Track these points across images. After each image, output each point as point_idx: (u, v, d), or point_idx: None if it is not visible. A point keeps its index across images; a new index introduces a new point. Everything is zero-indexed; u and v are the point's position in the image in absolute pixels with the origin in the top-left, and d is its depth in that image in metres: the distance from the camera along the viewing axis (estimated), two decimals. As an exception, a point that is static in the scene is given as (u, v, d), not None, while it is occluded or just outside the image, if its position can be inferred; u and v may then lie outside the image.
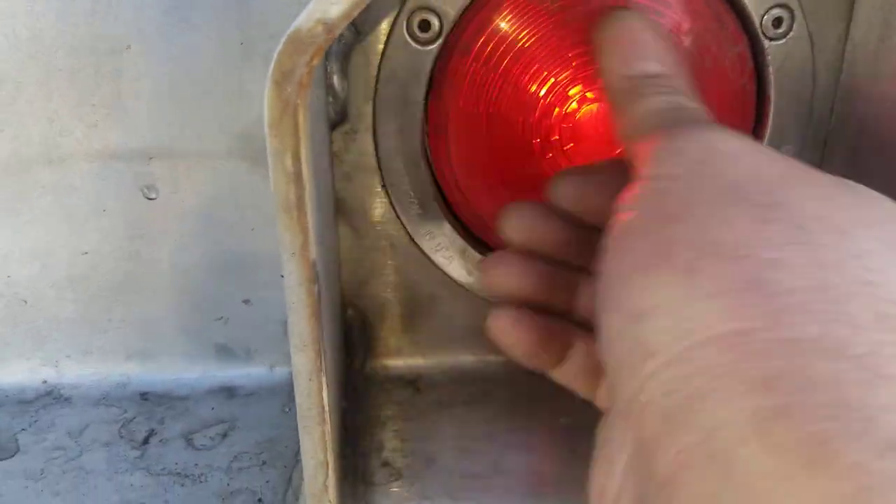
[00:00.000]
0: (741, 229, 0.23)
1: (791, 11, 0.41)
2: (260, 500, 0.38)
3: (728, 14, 0.41)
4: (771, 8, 0.41)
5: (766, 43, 0.42)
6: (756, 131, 0.44)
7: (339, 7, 0.26)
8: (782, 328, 0.20)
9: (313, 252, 0.29)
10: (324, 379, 0.31)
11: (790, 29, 0.42)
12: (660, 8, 0.40)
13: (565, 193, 0.36)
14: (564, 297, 0.37)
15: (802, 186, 0.25)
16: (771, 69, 0.42)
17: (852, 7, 0.42)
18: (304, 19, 0.26)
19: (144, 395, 0.46)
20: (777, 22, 0.42)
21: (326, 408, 0.32)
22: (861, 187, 0.25)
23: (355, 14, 0.26)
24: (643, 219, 0.27)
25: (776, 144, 0.44)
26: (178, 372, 0.47)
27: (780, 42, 0.42)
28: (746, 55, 0.42)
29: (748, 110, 0.43)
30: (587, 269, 0.36)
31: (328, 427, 0.32)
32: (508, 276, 0.36)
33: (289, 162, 0.28)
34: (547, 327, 0.36)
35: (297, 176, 0.28)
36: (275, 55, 0.26)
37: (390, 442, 0.41)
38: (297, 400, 0.32)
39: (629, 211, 0.28)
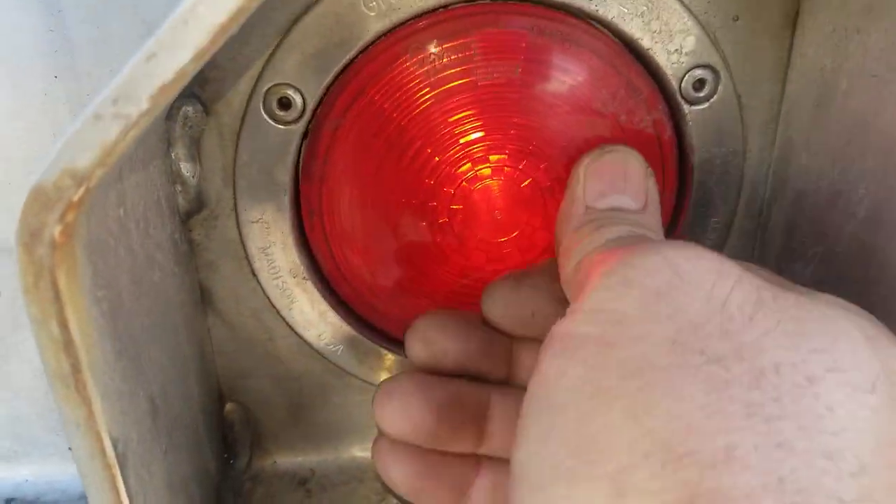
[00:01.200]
0: (688, 412, 0.20)
1: (715, 72, 0.36)
2: None
3: (642, 78, 0.36)
4: (691, 69, 0.36)
5: (686, 108, 0.36)
6: (678, 203, 0.39)
7: (89, 155, 0.21)
8: None
9: (103, 423, 0.25)
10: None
11: (714, 91, 0.36)
12: (562, 77, 0.35)
13: (493, 306, 0.34)
14: (471, 427, 0.33)
15: (769, 320, 0.22)
16: (693, 136, 0.37)
17: (787, 65, 0.36)
18: (48, 170, 0.21)
19: (10, 501, 0.42)
20: (699, 84, 0.36)
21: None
22: (834, 307, 0.23)
23: (114, 160, 0.21)
24: (571, 387, 0.23)
25: (701, 216, 0.39)
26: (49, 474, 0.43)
27: (703, 106, 0.36)
28: (664, 121, 0.37)
29: (669, 181, 0.38)
30: (503, 382, 0.34)
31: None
32: (404, 414, 0.32)
33: (55, 330, 0.23)
34: (439, 462, 0.32)
35: (68, 343, 0.23)
36: (19, 213, 0.21)
37: (264, 565, 0.37)
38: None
39: (556, 364, 0.24)
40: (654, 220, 0.31)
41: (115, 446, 0.25)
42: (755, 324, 0.21)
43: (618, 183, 0.31)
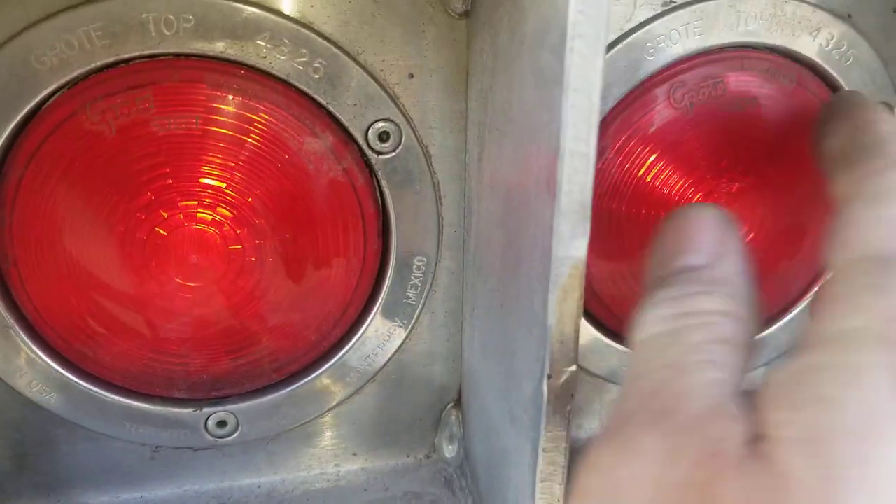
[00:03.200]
0: None
1: (397, 125, 0.39)
2: None
3: (328, 130, 0.38)
4: (374, 122, 0.38)
5: (374, 157, 0.39)
6: (384, 244, 0.42)
7: None
8: None
9: None
10: None
11: (399, 142, 0.39)
12: (245, 126, 0.37)
13: None
14: None
15: None
16: (384, 183, 0.40)
17: (466, 117, 0.40)
18: None
19: None
20: (383, 136, 0.39)
21: None
22: None
23: None
24: None
25: (407, 255, 0.42)
26: None
27: (390, 155, 0.39)
28: (355, 170, 0.39)
29: (370, 224, 0.41)
30: None
31: None
32: None
33: None
34: None
35: None
36: None
37: None
38: None
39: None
40: (722, 273, 0.28)
41: None
42: None
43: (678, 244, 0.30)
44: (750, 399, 0.24)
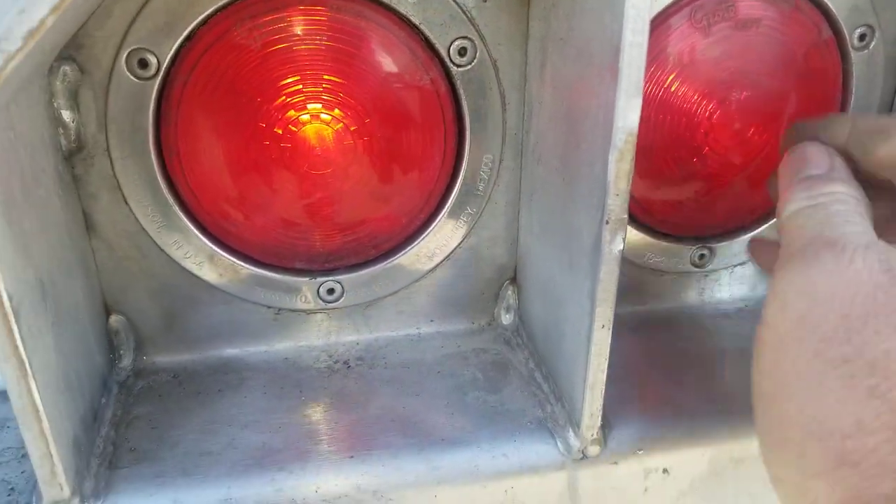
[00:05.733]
0: (829, 407, 0.31)
1: (473, 42, 0.48)
2: (13, 488, 0.44)
3: (419, 46, 0.48)
4: (455, 39, 0.48)
5: (455, 69, 0.49)
6: (459, 144, 0.52)
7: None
8: (863, 492, 0.30)
9: (1, 278, 0.34)
10: (32, 384, 0.37)
11: (474, 57, 0.49)
12: (358, 43, 0.47)
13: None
14: None
15: (879, 321, 0.31)
16: (462, 91, 0.50)
17: (527, 36, 0.49)
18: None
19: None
20: (462, 51, 0.48)
21: (40, 408, 0.37)
22: None
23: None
24: (762, 382, 0.36)
25: (478, 155, 0.52)
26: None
27: (467, 68, 0.49)
28: (439, 80, 0.49)
29: (449, 126, 0.50)
30: None
31: (45, 424, 0.38)
32: None
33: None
34: None
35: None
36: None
37: (142, 430, 0.47)
38: (12, 402, 0.37)
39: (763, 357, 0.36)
40: (839, 175, 0.39)
41: (10, 299, 0.35)
42: (868, 326, 0.31)
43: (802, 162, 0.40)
44: None
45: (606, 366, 0.44)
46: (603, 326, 0.43)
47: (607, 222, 0.40)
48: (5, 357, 0.36)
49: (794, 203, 0.38)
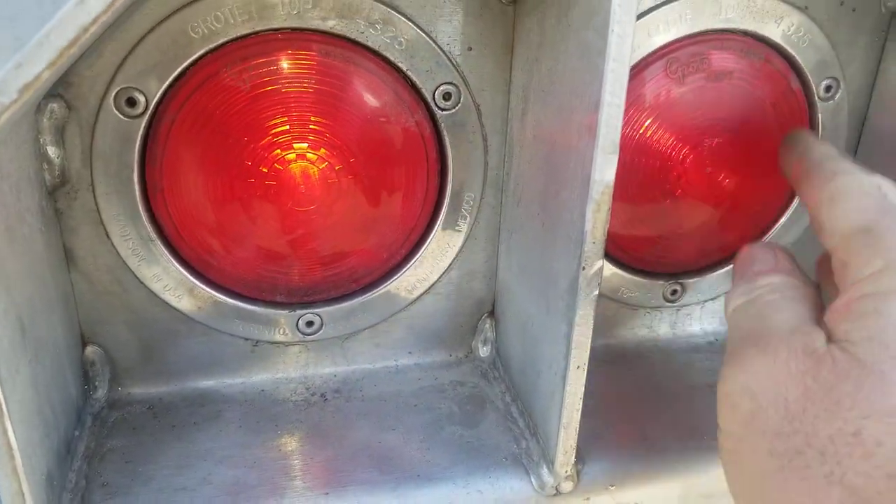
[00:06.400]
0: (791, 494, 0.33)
1: (457, 87, 0.50)
2: (-17, 525, 0.43)
3: (406, 90, 0.49)
4: (440, 85, 0.49)
5: (439, 113, 0.50)
6: (442, 183, 0.53)
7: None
8: None
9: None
10: (7, 423, 0.37)
11: (458, 101, 0.50)
12: (345, 86, 0.48)
13: None
14: None
15: (816, 406, 0.32)
16: (445, 133, 0.51)
17: (510, 83, 0.51)
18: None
19: None
20: (447, 96, 0.50)
21: (13, 445, 0.37)
22: (862, 355, 0.32)
23: (-8, 130, 0.31)
24: (731, 486, 0.37)
25: (459, 192, 0.53)
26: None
27: (451, 112, 0.50)
28: (424, 122, 0.50)
29: (432, 167, 0.52)
30: None
31: (18, 462, 0.38)
32: None
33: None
34: None
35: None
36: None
37: (115, 464, 0.47)
38: (-13, 442, 0.37)
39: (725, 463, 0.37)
40: (775, 276, 0.40)
41: (-10, 340, 0.35)
42: (808, 413, 0.32)
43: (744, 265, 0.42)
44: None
45: (581, 405, 0.45)
46: (578, 367, 0.44)
47: (583, 268, 0.41)
48: (-17, 396, 0.36)
49: (733, 300, 0.41)
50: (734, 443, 0.36)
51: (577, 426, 0.46)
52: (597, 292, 0.42)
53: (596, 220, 0.40)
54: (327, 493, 0.46)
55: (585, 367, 0.44)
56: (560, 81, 0.42)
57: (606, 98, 0.37)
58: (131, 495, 0.45)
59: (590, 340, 0.43)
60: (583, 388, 0.44)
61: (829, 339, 0.35)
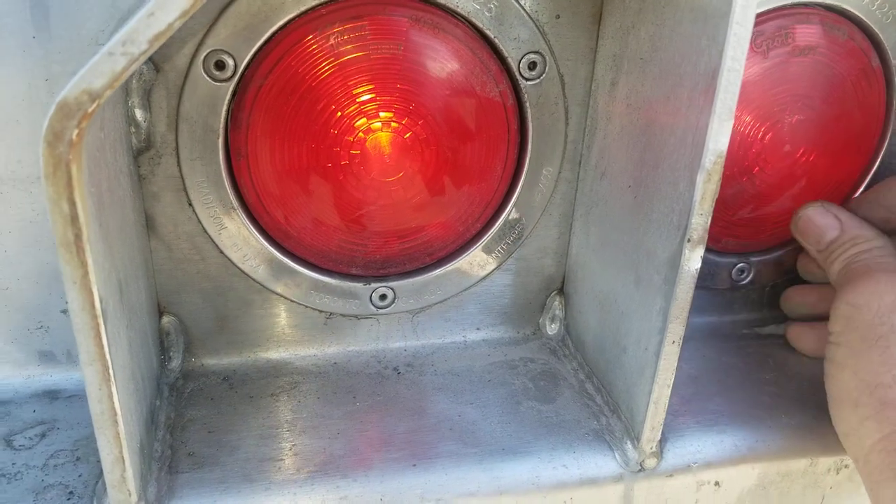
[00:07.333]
0: (873, 369, 0.45)
1: (543, 56, 0.49)
2: (71, 492, 0.43)
3: (491, 59, 0.48)
4: (526, 53, 0.48)
5: (524, 83, 0.49)
6: (520, 156, 0.52)
7: (102, 80, 0.30)
8: None
9: (94, 282, 0.34)
10: (113, 388, 0.36)
11: (543, 71, 0.49)
12: (433, 54, 0.47)
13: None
14: None
15: None
16: (528, 104, 0.50)
17: (595, 52, 0.50)
18: (70, 89, 0.30)
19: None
20: (532, 65, 0.49)
21: (118, 411, 0.37)
22: None
23: (118, 85, 0.31)
24: (831, 366, 0.49)
25: (537, 168, 0.52)
26: (2, 377, 0.50)
27: (535, 82, 0.49)
28: (508, 92, 0.49)
29: (513, 138, 0.51)
30: None
31: (121, 427, 0.37)
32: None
33: (65, 207, 0.32)
34: None
35: (74, 218, 0.32)
36: (46, 119, 0.31)
37: (198, 434, 0.46)
38: (90, 406, 0.36)
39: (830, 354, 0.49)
40: (852, 232, 0.52)
41: (101, 301, 0.35)
42: (893, 313, 0.45)
43: (818, 230, 0.54)
44: None
45: (672, 381, 0.45)
46: (673, 342, 0.43)
47: (689, 240, 0.40)
48: (91, 360, 0.35)
49: (833, 269, 0.52)
50: (838, 336, 0.48)
51: (667, 402, 0.45)
52: (699, 265, 0.41)
53: (706, 190, 0.39)
54: (415, 465, 0.45)
55: (680, 343, 0.43)
56: (665, 48, 0.41)
57: (727, 63, 0.36)
58: (218, 465, 0.44)
59: (687, 315, 0.43)
60: (675, 364, 0.44)
61: None
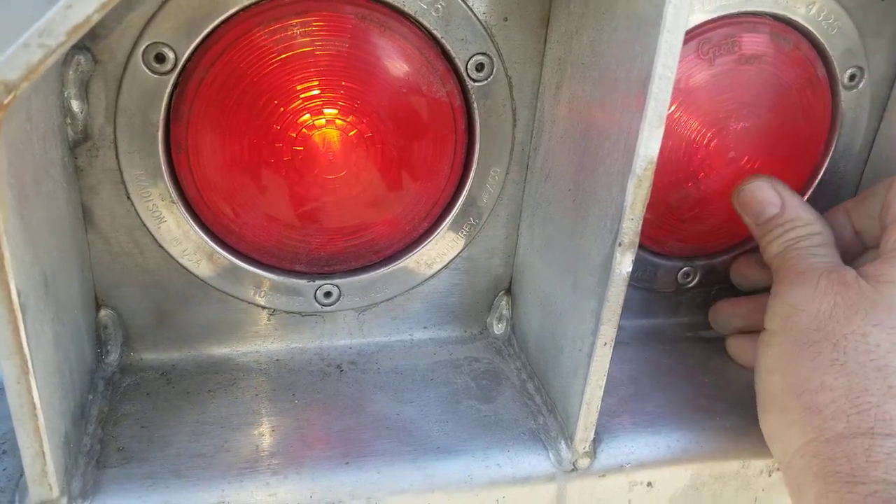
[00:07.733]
0: (802, 375, 0.45)
1: (491, 58, 0.49)
2: (-5, 486, 0.42)
3: (438, 59, 0.48)
4: (474, 55, 0.48)
5: (471, 84, 0.49)
6: (468, 156, 0.52)
7: (17, 72, 0.30)
8: (825, 432, 0.43)
9: (11, 275, 0.33)
10: (32, 381, 0.36)
11: (491, 73, 0.49)
12: (379, 52, 0.46)
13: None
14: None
15: (841, 313, 0.45)
16: (476, 105, 0.50)
17: (543, 55, 0.50)
18: (-17, 79, 0.30)
19: None
20: (479, 67, 0.49)
21: (37, 405, 0.36)
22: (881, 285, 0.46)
23: (35, 77, 0.30)
24: (761, 368, 0.49)
25: (485, 168, 0.52)
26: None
27: (483, 83, 0.50)
28: (455, 93, 0.49)
29: (460, 139, 0.51)
30: None
31: (41, 421, 0.37)
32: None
33: (-19, 196, 0.32)
34: None
35: (-10, 209, 0.32)
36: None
37: (131, 429, 0.46)
38: (9, 399, 0.36)
39: (762, 355, 0.49)
40: (792, 211, 0.51)
41: (18, 295, 0.34)
42: (831, 319, 0.45)
43: (759, 205, 0.53)
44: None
45: (604, 382, 0.45)
46: (605, 344, 0.44)
47: (620, 244, 0.41)
48: (8, 354, 0.35)
49: (770, 249, 0.52)
50: (771, 336, 0.48)
51: (599, 403, 0.46)
52: (630, 269, 0.42)
53: (636, 195, 0.39)
54: (347, 463, 0.45)
55: (612, 345, 0.44)
56: (603, 53, 0.42)
57: (658, 70, 0.36)
58: (147, 461, 0.44)
59: (618, 317, 0.43)
60: (607, 366, 0.44)
61: (859, 274, 0.47)
